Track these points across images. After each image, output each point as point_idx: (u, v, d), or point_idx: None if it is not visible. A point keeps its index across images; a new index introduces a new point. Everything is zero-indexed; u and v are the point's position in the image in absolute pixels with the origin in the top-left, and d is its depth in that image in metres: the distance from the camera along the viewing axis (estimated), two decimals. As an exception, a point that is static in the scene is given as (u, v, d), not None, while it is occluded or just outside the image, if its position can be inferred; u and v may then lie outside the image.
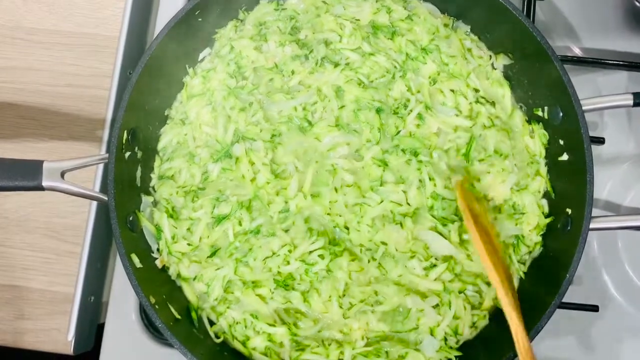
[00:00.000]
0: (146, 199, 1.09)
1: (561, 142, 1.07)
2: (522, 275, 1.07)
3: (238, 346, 1.04)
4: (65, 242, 1.22)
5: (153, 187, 1.11)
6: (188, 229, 1.07)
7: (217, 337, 1.04)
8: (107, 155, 1.03)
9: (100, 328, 1.20)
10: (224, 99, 1.12)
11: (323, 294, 1.03)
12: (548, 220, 1.08)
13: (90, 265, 1.17)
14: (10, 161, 0.99)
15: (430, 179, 1.07)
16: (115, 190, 1.00)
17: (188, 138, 1.12)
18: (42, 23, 1.30)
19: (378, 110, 1.09)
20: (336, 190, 1.06)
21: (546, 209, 1.09)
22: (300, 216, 1.06)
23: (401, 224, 1.05)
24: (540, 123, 1.11)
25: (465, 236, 1.05)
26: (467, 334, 1.04)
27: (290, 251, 1.04)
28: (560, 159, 1.07)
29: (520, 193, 1.08)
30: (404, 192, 1.06)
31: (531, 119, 1.12)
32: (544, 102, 1.10)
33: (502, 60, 1.14)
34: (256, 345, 1.02)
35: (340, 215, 1.05)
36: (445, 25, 1.16)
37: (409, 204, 1.06)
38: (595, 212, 0.99)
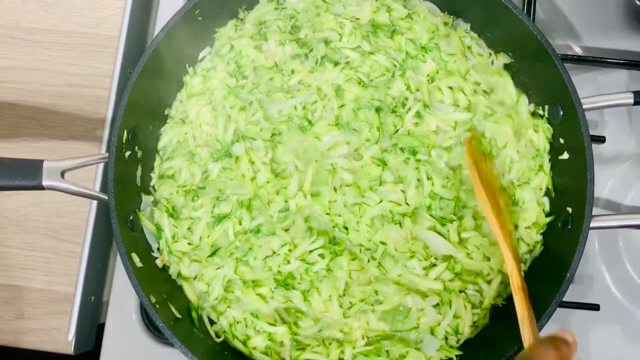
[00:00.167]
0: (146, 198, 1.09)
1: (562, 140, 1.07)
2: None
3: (238, 345, 1.04)
4: (66, 241, 1.22)
5: (153, 187, 1.11)
6: (188, 228, 1.07)
7: (218, 336, 1.04)
8: (107, 154, 1.03)
9: (101, 328, 1.20)
10: (224, 98, 1.12)
11: (323, 293, 1.03)
12: (549, 219, 1.08)
13: (90, 265, 1.17)
14: (10, 161, 0.99)
15: (428, 178, 1.06)
16: (115, 190, 1.00)
17: (188, 137, 1.12)
18: (41, 23, 1.30)
19: (377, 109, 1.09)
20: (335, 190, 1.06)
21: (547, 207, 1.09)
22: (300, 215, 1.06)
23: (400, 224, 1.05)
24: (542, 120, 1.11)
25: (464, 235, 1.05)
26: (467, 333, 1.04)
27: (290, 250, 1.04)
28: (560, 157, 1.07)
29: (521, 188, 1.08)
30: (403, 191, 1.06)
31: (533, 115, 1.12)
32: (544, 100, 1.10)
33: (502, 59, 1.14)
34: (256, 344, 1.02)
35: (339, 215, 1.05)
36: (445, 24, 1.16)
37: (407, 203, 1.06)
38: (595, 210, 0.99)
